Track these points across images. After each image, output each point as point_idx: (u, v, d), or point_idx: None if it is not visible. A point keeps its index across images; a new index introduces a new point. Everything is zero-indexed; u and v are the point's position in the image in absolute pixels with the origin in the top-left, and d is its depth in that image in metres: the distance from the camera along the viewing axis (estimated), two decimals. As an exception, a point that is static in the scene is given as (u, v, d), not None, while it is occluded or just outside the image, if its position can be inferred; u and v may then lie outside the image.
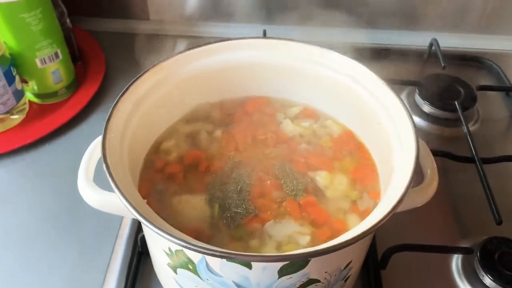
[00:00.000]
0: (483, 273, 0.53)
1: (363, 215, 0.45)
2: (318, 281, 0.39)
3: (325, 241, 0.37)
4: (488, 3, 0.86)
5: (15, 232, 0.60)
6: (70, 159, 0.68)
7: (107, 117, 0.43)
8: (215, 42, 0.53)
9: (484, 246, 0.55)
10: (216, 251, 0.33)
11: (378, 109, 0.48)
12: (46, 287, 0.54)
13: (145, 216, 0.35)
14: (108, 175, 0.37)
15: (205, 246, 0.34)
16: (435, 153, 0.63)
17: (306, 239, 0.43)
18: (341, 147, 0.52)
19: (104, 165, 0.38)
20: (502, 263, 0.53)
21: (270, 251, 0.42)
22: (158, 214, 0.38)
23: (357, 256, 0.43)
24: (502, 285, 0.52)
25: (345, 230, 0.44)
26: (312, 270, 0.37)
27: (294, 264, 0.36)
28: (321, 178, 0.48)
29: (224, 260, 0.36)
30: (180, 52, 0.51)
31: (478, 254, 0.54)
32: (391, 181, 0.41)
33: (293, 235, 0.44)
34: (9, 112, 0.71)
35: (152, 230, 0.34)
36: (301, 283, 0.38)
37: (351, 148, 0.52)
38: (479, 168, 0.62)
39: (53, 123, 0.72)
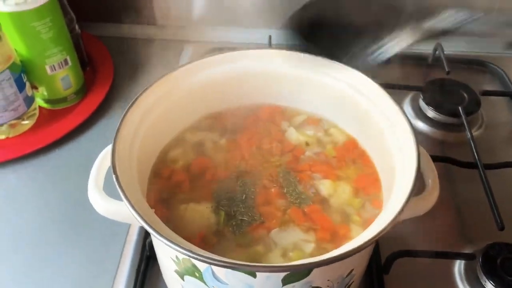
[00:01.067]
0: (485, 278, 0.54)
1: (366, 223, 0.46)
2: (320, 288, 0.41)
3: (329, 248, 0.38)
4: (493, 6, 0.86)
5: (25, 235, 0.61)
6: (80, 164, 0.70)
7: (116, 128, 0.44)
8: (219, 49, 0.54)
9: (486, 252, 0.55)
10: (221, 261, 0.34)
11: (379, 118, 0.49)
12: (56, 290, 0.56)
13: (153, 226, 0.36)
14: (117, 186, 0.39)
15: (210, 256, 0.35)
16: (438, 158, 0.65)
17: (311, 246, 0.44)
18: (345, 155, 0.53)
19: (113, 176, 0.39)
20: (504, 268, 0.54)
21: (276, 258, 0.44)
22: (166, 222, 0.39)
23: (359, 263, 0.44)
24: (504, 290, 0.53)
25: (348, 236, 0.45)
26: (314, 278, 0.39)
27: (297, 273, 0.37)
28: (325, 186, 0.49)
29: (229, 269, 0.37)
30: (187, 63, 0.52)
31: (480, 260, 0.54)
32: (392, 191, 0.42)
33: (298, 242, 0.45)
34: (20, 118, 0.72)
35: (162, 241, 0.35)
36: (305, 291, 0.40)
37: (355, 156, 0.53)
38: (482, 173, 0.63)
39: (63, 128, 0.74)
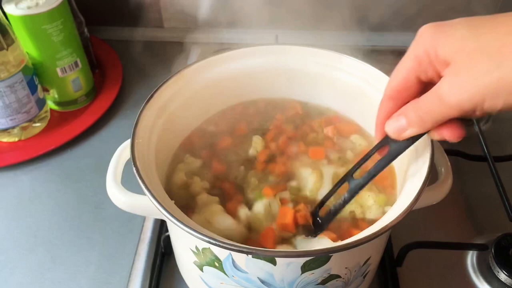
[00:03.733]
0: (498, 269, 0.54)
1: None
2: (338, 276, 0.41)
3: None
4: (497, 2, 0.87)
5: (40, 235, 0.62)
6: (92, 163, 0.71)
7: (134, 123, 0.45)
8: (226, 49, 0.55)
9: (498, 242, 0.56)
10: (242, 247, 0.35)
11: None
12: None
13: (176, 216, 0.36)
14: (138, 178, 0.39)
15: (232, 243, 0.35)
16: (448, 152, 0.65)
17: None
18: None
19: (134, 169, 0.40)
20: (516, 259, 0.54)
21: None
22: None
23: (375, 252, 0.45)
24: (517, 280, 0.53)
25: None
26: (333, 265, 0.39)
27: (317, 260, 0.38)
28: None
29: (250, 256, 0.37)
30: (198, 60, 0.53)
31: (493, 250, 0.55)
32: (407, 180, 0.43)
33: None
34: (32, 120, 0.73)
35: (183, 229, 0.36)
36: (323, 278, 0.40)
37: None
38: (492, 166, 0.63)
39: (74, 130, 0.75)
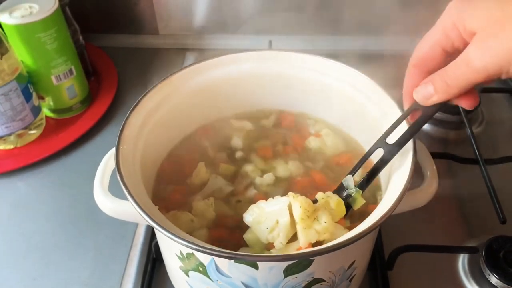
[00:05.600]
0: (489, 272, 0.54)
1: None
2: (323, 280, 0.41)
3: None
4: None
5: (34, 240, 0.63)
6: (86, 170, 0.71)
7: (119, 130, 0.45)
8: (220, 55, 0.55)
9: (489, 245, 0.56)
10: (223, 252, 0.35)
11: (378, 116, 0.50)
12: (65, 293, 0.57)
13: (158, 222, 0.37)
14: (122, 184, 0.40)
15: (213, 248, 0.36)
16: (439, 155, 0.65)
17: None
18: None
19: (118, 175, 0.41)
20: (507, 261, 0.54)
21: None
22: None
23: (360, 255, 0.45)
24: (508, 283, 0.53)
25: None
26: (316, 269, 0.39)
27: (299, 264, 0.38)
28: None
29: (232, 261, 0.38)
30: (187, 66, 0.53)
31: (484, 253, 0.55)
32: (389, 184, 0.43)
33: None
34: (27, 127, 0.74)
35: (165, 235, 0.36)
36: (306, 282, 0.40)
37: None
38: (483, 169, 0.63)
39: (69, 136, 0.75)
